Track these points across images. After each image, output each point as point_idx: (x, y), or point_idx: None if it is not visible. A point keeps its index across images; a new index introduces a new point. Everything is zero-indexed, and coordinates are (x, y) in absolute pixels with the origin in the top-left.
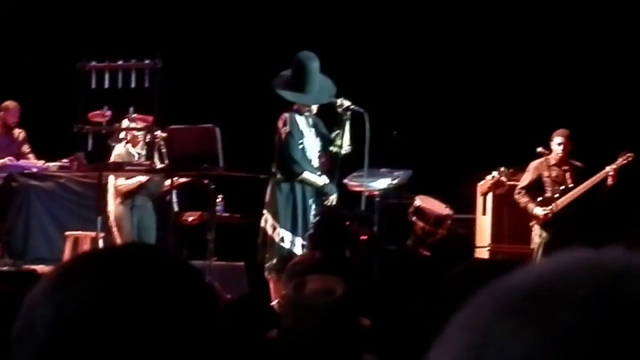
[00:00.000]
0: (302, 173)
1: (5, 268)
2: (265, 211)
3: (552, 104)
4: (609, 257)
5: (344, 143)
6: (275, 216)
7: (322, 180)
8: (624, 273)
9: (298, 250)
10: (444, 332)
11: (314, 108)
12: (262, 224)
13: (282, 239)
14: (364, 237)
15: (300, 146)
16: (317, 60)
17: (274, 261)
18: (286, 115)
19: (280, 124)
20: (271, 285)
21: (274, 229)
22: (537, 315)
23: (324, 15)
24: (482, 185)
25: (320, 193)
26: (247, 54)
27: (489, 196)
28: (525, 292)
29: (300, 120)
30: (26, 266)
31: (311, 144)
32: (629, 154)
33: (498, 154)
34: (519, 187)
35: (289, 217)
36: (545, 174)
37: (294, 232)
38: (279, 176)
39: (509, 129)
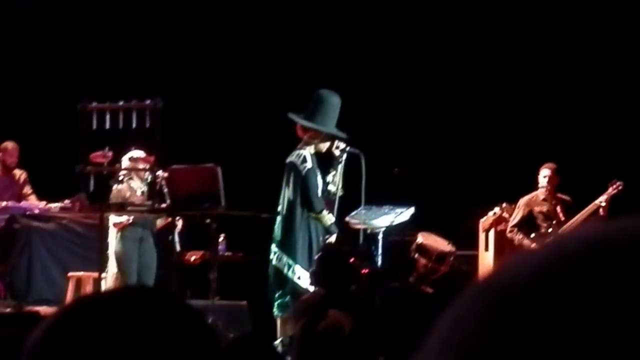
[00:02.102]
0: (322, 209)
1: (8, 310)
2: (277, 249)
3: (551, 138)
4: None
5: (339, 185)
6: (292, 254)
7: (330, 219)
8: None
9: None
10: (427, 342)
11: (325, 146)
12: (275, 262)
13: (299, 278)
14: (365, 272)
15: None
16: (336, 97)
17: (287, 299)
18: (303, 152)
19: (297, 160)
20: (279, 323)
21: (289, 267)
22: (534, 337)
23: (322, 55)
24: (484, 221)
25: (326, 231)
26: (247, 94)
27: (491, 232)
28: (520, 292)
29: (313, 158)
30: (29, 307)
31: (320, 183)
32: (619, 183)
33: (500, 190)
34: (510, 225)
35: (306, 255)
36: (536, 209)
37: (309, 268)
38: (299, 212)
39: (510, 164)
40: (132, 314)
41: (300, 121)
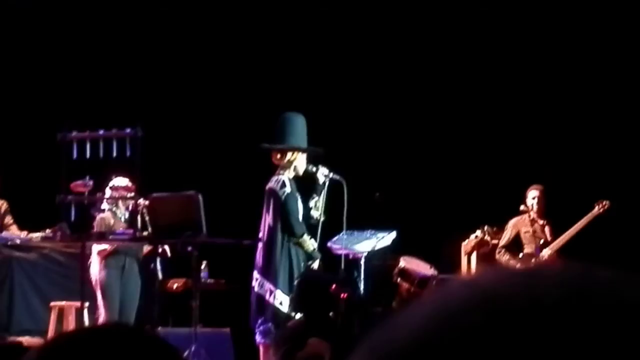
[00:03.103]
0: (303, 234)
1: None
2: (258, 275)
3: (532, 161)
4: (510, 286)
5: (322, 210)
6: (273, 279)
7: (312, 244)
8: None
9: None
10: None
11: (302, 166)
12: (257, 288)
13: (280, 303)
14: (344, 297)
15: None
16: (299, 116)
17: (269, 325)
18: (282, 177)
19: (276, 186)
20: (261, 350)
21: (271, 292)
22: None
23: (303, 80)
24: (466, 244)
25: (308, 257)
26: (227, 121)
27: (473, 255)
28: (404, 352)
29: (291, 183)
30: (11, 338)
31: (300, 208)
32: (605, 202)
33: (481, 212)
34: (499, 246)
35: (287, 280)
36: (524, 230)
37: (290, 293)
38: (279, 237)
39: (491, 187)
40: (109, 352)
41: (275, 147)
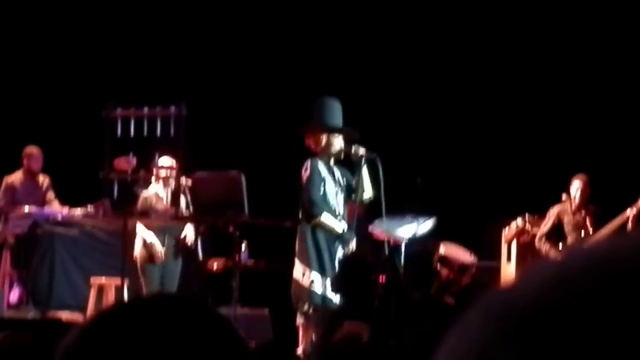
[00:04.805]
0: (319, 215)
1: (30, 315)
2: (296, 260)
3: (575, 148)
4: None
5: (363, 190)
6: (305, 261)
7: (340, 226)
8: None
9: (329, 292)
10: (437, 353)
11: (339, 144)
12: (295, 273)
13: (312, 282)
14: (382, 280)
15: (321, 191)
16: (335, 100)
17: (306, 307)
18: (308, 161)
19: (303, 170)
20: (300, 332)
21: (304, 274)
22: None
23: (344, 61)
24: (507, 232)
25: (340, 239)
26: (271, 101)
27: (514, 243)
28: (523, 313)
29: (322, 166)
30: (51, 313)
31: (332, 190)
32: None
33: (523, 201)
34: (539, 234)
35: (316, 259)
36: (565, 219)
37: (322, 273)
38: (300, 219)
39: (534, 175)
40: (167, 321)
41: (310, 129)
